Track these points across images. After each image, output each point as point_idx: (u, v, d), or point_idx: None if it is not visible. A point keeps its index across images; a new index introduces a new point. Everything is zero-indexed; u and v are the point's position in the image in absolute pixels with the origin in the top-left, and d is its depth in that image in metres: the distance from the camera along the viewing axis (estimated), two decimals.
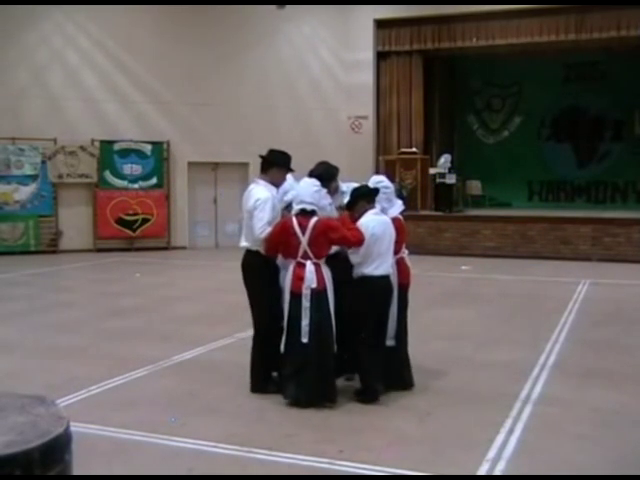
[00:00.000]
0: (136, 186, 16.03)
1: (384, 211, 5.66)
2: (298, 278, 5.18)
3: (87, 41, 15.93)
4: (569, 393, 5.72)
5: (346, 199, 5.64)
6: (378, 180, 5.82)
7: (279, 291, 5.54)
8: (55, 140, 15.45)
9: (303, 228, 5.16)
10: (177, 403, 5.42)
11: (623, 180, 19.03)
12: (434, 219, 15.68)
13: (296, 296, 5.20)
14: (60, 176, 15.50)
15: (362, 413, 5.21)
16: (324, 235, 5.18)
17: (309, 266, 5.17)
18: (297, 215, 5.23)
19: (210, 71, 16.43)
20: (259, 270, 5.56)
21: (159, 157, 16.20)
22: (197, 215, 16.81)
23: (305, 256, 5.20)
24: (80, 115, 15.72)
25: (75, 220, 15.73)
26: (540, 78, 19.35)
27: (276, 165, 5.64)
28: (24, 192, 15.26)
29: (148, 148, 16.04)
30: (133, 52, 16.11)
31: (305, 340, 5.16)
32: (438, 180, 16.23)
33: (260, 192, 5.49)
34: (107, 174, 15.85)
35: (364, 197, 5.45)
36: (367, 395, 5.38)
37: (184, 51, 16.19)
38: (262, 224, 5.35)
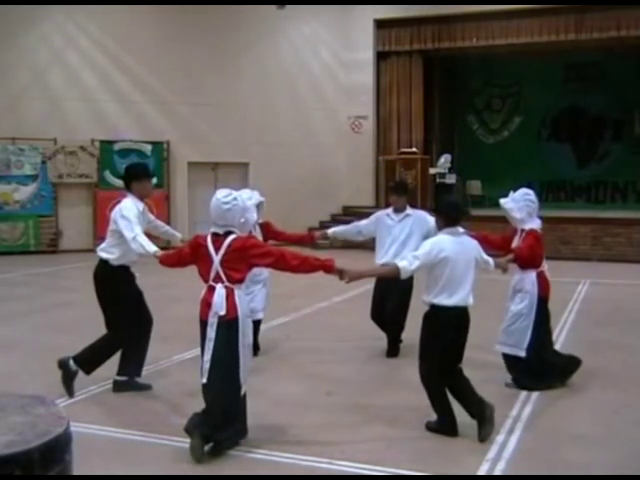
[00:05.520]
0: None
1: (522, 223, 5.71)
2: (206, 304, 4.45)
3: (87, 41, 15.92)
4: (569, 393, 5.72)
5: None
6: (525, 192, 5.77)
7: (135, 301, 5.67)
8: (55, 140, 15.43)
9: (217, 247, 4.46)
10: (177, 403, 5.41)
11: (623, 180, 19.03)
12: None
13: (203, 323, 4.47)
14: (60, 176, 15.50)
15: (362, 413, 5.21)
16: (240, 253, 4.42)
17: (219, 290, 4.39)
18: (212, 234, 4.56)
19: (210, 71, 16.42)
20: (108, 280, 5.62)
21: (159, 157, 16.18)
22: (197, 215, 16.76)
23: (217, 279, 4.44)
24: (80, 115, 15.72)
25: (75, 220, 15.72)
26: (540, 78, 19.34)
27: (134, 179, 5.68)
28: (24, 192, 15.26)
29: (148, 148, 16.04)
30: (133, 52, 16.09)
31: (204, 380, 4.39)
32: (438, 180, 16.23)
33: (124, 204, 5.55)
34: (107, 174, 15.84)
35: (442, 215, 4.84)
36: (438, 425, 4.82)
37: (184, 51, 16.18)
38: (131, 233, 5.32)
